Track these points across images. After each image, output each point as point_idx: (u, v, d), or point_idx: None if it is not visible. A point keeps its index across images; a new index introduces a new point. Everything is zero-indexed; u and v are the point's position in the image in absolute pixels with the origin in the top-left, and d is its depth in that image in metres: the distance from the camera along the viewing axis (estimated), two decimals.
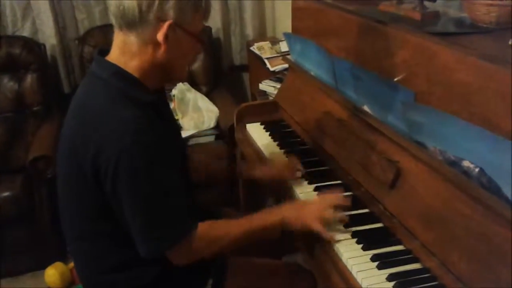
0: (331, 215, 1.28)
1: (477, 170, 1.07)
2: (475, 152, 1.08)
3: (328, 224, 1.27)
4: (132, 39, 1.14)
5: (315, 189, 1.49)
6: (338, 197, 1.33)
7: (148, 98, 1.18)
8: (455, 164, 1.13)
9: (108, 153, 1.09)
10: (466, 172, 1.10)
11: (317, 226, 1.26)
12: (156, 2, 1.09)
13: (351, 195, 1.44)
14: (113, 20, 1.16)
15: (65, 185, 1.24)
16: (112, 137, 1.09)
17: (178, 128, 1.53)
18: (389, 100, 1.34)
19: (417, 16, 1.45)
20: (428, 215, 1.17)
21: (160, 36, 1.12)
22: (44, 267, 2.33)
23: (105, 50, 1.22)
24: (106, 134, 1.10)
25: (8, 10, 2.75)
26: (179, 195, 1.19)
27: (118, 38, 1.17)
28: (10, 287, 2.34)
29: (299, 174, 1.56)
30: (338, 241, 1.25)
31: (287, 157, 1.68)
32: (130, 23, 1.12)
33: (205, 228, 1.21)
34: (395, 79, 1.35)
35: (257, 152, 1.84)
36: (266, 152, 1.78)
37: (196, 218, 1.21)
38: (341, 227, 1.29)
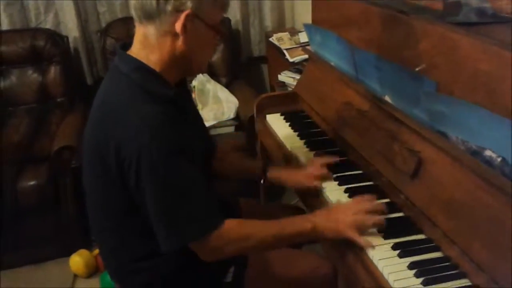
0: (367, 221, 1.23)
1: (499, 159, 1.07)
2: (497, 141, 1.08)
3: (362, 229, 1.23)
4: (152, 31, 1.15)
5: (336, 179, 1.50)
6: (372, 202, 1.28)
7: (169, 93, 1.18)
8: (477, 153, 1.13)
9: (129, 149, 1.10)
10: (488, 162, 1.10)
11: (352, 234, 1.21)
12: None
13: (372, 185, 1.45)
14: (133, 14, 1.17)
15: (90, 179, 1.26)
16: (132, 133, 1.11)
17: (201, 119, 1.53)
18: (411, 90, 1.34)
19: (439, 6, 1.44)
20: (449, 205, 1.17)
21: (178, 27, 1.13)
22: (69, 254, 2.38)
23: (128, 44, 1.23)
24: (127, 129, 1.11)
25: (32, 3, 2.80)
26: (202, 189, 1.18)
27: (139, 31, 1.18)
28: (36, 274, 2.39)
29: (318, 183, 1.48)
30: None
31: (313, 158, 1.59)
32: (148, 15, 1.13)
33: (232, 225, 1.19)
34: (416, 69, 1.36)
35: (278, 143, 1.85)
36: (286, 143, 1.79)
37: (223, 214, 1.19)
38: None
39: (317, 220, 1.25)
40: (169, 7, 1.11)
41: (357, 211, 1.24)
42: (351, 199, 1.35)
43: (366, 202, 1.28)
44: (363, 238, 1.21)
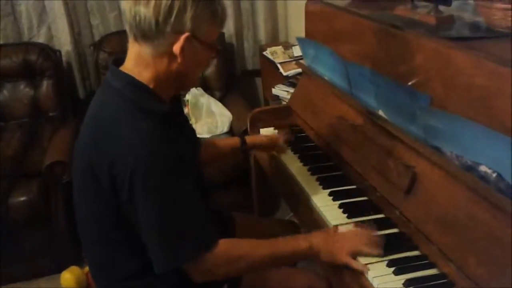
0: (364, 251, 1.21)
1: (494, 175, 1.07)
2: (492, 157, 1.07)
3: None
4: (147, 50, 1.13)
5: (330, 194, 1.48)
6: (372, 234, 1.25)
7: (162, 109, 1.17)
8: (472, 169, 1.12)
9: (122, 165, 1.09)
10: (483, 177, 1.09)
11: (347, 259, 1.20)
12: (174, 14, 1.08)
13: (366, 200, 1.44)
14: (128, 30, 1.14)
15: (81, 194, 1.25)
16: (127, 149, 1.09)
17: (193, 134, 1.52)
18: (405, 105, 1.33)
19: (432, 20, 1.44)
20: (444, 220, 1.16)
21: (176, 49, 1.11)
22: (60, 271, 2.34)
23: (120, 59, 1.21)
24: (121, 145, 1.10)
25: (24, 16, 2.79)
26: (196, 208, 1.17)
27: (133, 48, 1.16)
28: None
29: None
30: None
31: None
32: (145, 35, 1.11)
33: (226, 245, 1.17)
34: (410, 83, 1.35)
35: (271, 157, 1.84)
36: (280, 157, 1.78)
37: (216, 233, 1.18)
38: None
39: (314, 240, 1.24)
40: (168, 29, 1.09)
41: (356, 242, 1.22)
42: (352, 227, 1.30)
43: (366, 234, 1.25)
44: (359, 263, 1.19)
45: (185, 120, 1.47)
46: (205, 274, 1.19)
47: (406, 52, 1.38)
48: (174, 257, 1.14)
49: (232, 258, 1.19)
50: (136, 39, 1.13)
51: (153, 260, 1.15)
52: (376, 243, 1.22)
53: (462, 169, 1.14)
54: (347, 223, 1.34)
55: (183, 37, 1.10)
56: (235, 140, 1.74)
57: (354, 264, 1.19)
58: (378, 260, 1.19)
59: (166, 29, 1.09)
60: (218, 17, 1.16)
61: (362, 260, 1.20)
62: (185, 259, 1.15)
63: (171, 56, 1.13)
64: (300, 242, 1.24)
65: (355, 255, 1.20)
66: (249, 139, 1.75)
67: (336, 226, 1.32)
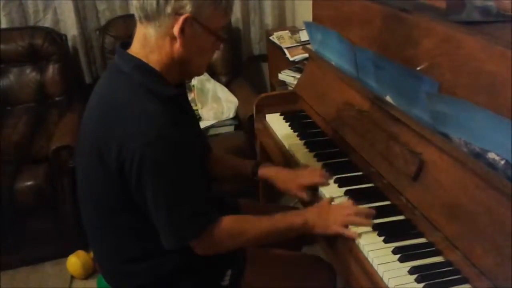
0: (356, 223, 1.26)
1: (503, 162, 1.05)
2: (501, 144, 1.05)
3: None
4: (151, 31, 1.15)
5: (336, 181, 1.47)
6: (363, 208, 1.31)
7: (170, 92, 1.18)
8: (480, 156, 1.10)
9: (132, 147, 1.10)
10: (491, 164, 1.07)
11: (339, 229, 1.26)
12: None
13: (373, 187, 1.43)
14: (135, 13, 1.17)
15: (87, 178, 1.25)
16: (136, 131, 1.10)
17: (197, 120, 1.53)
18: (412, 91, 1.31)
19: (442, 4, 1.41)
20: (451, 208, 1.15)
21: (176, 30, 1.12)
22: (66, 255, 2.36)
23: (127, 43, 1.22)
24: (130, 128, 1.11)
25: (30, 1, 2.78)
26: (201, 188, 1.21)
27: (139, 31, 1.18)
28: (33, 275, 2.37)
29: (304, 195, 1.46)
30: (360, 234, 1.24)
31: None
32: (148, 16, 1.13)
33: (229, 221, 1.23)
34: (418, 68, 1.33)
35: (277, 143, 1.83)
36: (286, 143, 1.77)
37: (218, 211, 1.23)
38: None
39: (308, 216, 1.30)
40: (168, 9, 1.11)
41: (348, 213, 1.28)
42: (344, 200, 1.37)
43: (358, 207, 1.30)
44: (350, 231, 1.25)
45: (190, 107, 1.47)
46: (210, 248, 1.24)
47: (415, 37, 1.36)
48: (182, 234, 1.18)
49: (234, 233, 1.25)
50: (141, 21, 1.15)
51: (162, 238, 1.18)
52: (367, 214, 1.28)
53: (470, 156, 1.12)
54: (341, 196, 1.40)
55: (182, 18, 1.11)
56: (246, 167, 1.59)
57: (346, 232, 1.25)
58: (383, 247, 1.18)
59: (166, 10, 1.10)
60: (222, 3, 1.15)
61: (372, 254, 1.18)
62: (192, 236, 1.19)
63: (173, 38, 1.14)
64: (296, 218, 1.30)
65: (347, 225, 1.26)
66: (263, 171, 1.55)
67: (330, 198, 1.39)
